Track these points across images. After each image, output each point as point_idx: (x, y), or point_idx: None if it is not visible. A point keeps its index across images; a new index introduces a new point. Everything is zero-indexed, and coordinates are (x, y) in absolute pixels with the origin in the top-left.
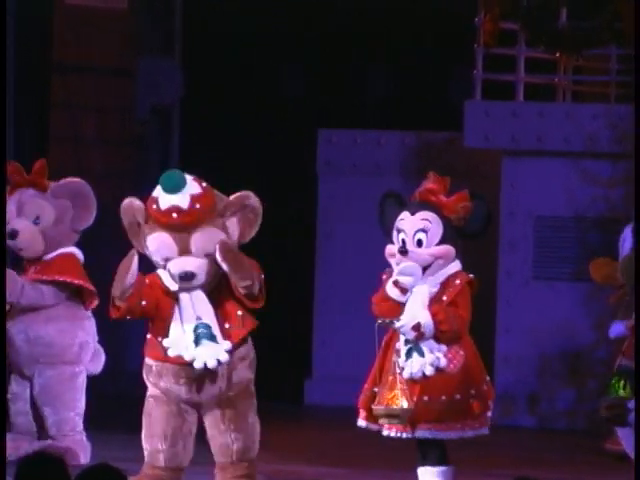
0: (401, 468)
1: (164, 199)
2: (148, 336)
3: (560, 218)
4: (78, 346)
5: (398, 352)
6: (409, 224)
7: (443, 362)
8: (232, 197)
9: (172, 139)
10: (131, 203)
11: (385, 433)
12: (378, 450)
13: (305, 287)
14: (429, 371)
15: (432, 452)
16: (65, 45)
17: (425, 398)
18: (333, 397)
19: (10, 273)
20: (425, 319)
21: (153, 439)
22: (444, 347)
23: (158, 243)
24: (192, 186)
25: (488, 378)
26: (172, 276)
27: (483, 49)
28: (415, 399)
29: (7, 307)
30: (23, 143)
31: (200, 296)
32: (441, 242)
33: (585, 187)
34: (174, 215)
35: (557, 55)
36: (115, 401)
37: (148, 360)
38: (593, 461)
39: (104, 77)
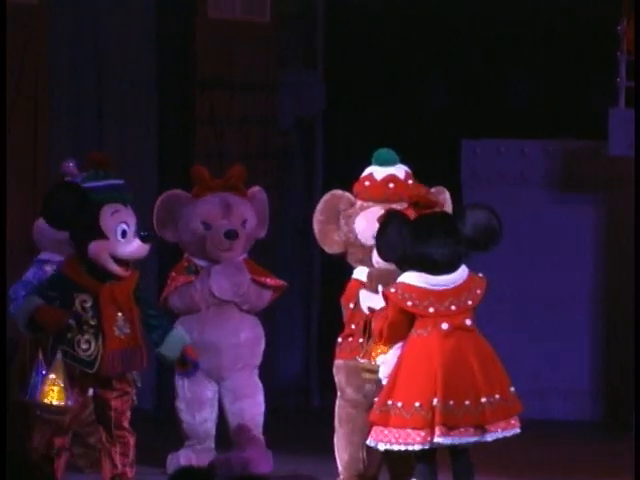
0: None
1: (379, 171)
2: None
3: None
4: (264, 348)
5: None
6: None
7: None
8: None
9: (315, 151)
10: (333, 194)
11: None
12: None
13: None
14: None
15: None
16: (208, 60)
17: None
18: None
19: (240, 268)
20: None
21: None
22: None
23: (371, 218)
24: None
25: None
26: None
27: (626, 56)
28: None
29: (206, 305)
30: (169, 159)
31: None
32: None
33: None
34: (391, 185)
35: None
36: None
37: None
38: None
39: (246, 91)
